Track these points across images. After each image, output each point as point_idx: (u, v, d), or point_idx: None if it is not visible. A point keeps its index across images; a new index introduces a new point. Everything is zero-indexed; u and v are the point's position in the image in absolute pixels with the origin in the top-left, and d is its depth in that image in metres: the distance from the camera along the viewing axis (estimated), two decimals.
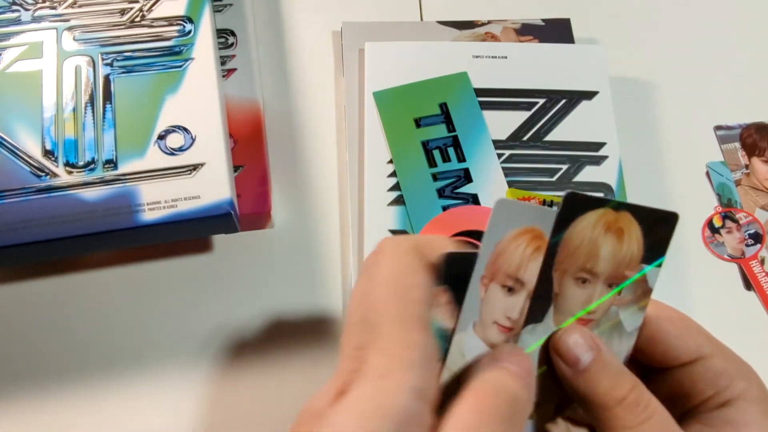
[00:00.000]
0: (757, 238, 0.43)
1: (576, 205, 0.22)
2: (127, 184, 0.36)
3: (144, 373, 0.39)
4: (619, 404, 0.22)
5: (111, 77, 0.38)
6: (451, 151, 0.41)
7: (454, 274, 0.22)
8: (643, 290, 0.23)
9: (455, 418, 0.19)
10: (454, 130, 0.42)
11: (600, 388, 0.22)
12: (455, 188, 0.40)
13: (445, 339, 0.22)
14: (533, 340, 0.23)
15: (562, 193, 0.22)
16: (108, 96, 0.38)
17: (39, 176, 0.35)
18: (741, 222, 0.44)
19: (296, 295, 0.41)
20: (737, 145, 0.46)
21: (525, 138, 0.42)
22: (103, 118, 0.37)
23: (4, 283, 0.41)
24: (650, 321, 0.24)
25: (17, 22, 0.39)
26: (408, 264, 0.21)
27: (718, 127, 0.47)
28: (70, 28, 0.39)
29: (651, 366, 0.25)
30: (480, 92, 0.43)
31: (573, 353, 0.22)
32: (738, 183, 0.45)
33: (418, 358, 0.20)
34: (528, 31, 0.47)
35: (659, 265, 0.23)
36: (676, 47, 0.49)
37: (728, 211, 0.44)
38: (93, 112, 0.37)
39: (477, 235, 0.39)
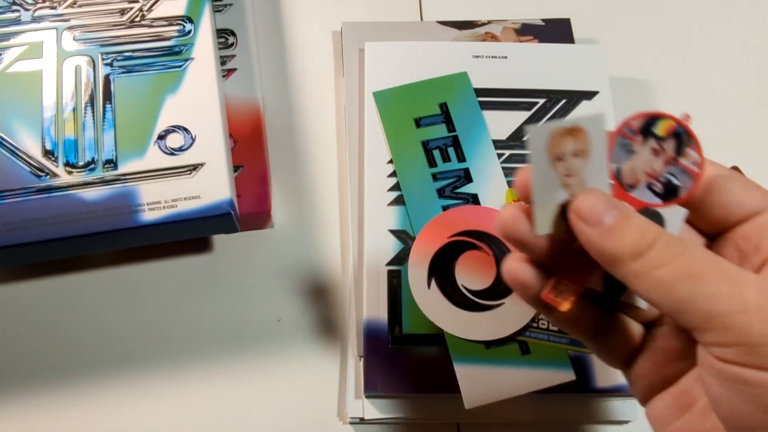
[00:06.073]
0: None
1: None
2: (127, 184, 0.36)
3: (143, 373, 0.39)
4: (652, 248, 0.21)
5: (111, 77, 0.38)
6: (451, 151, 0.41)
7: None
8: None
9: None
10: (454, 130, 0.42)
11: (628, 241, 0.22)
12: (455, 188, 0.40)
13: None
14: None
15: None
16: (108, 96, 0.38)
17: (39, 176, 0.35)
18: None
19: (296, 295, 0.41)
20: None
21: (525, 138, 0.42)
22: (103, 118, 0.37)
23: (4, 283, 0.41)
24: (712, 181, 0.24)
25: (17, 22, 0.39)
26: None
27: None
28: (70, 28, 0.39)
29: (709, 232, 0.25)
30: (480, 92, 0.43)
31: (594, 213, 0.22)
32: None
33: None
34: (528, 31, 0.47)
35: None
36: (676, 47, 0.49)
37: None
38: (93, 112, 0.37)
39: (477, 235, 0.39)
